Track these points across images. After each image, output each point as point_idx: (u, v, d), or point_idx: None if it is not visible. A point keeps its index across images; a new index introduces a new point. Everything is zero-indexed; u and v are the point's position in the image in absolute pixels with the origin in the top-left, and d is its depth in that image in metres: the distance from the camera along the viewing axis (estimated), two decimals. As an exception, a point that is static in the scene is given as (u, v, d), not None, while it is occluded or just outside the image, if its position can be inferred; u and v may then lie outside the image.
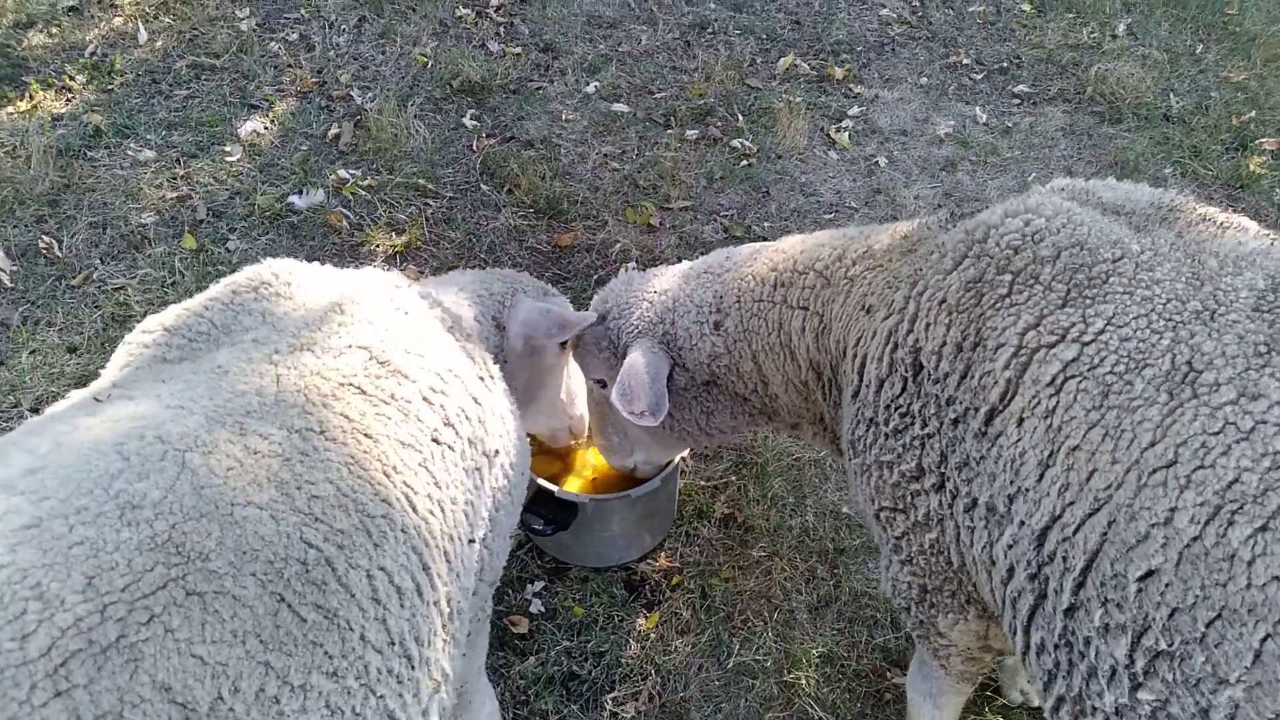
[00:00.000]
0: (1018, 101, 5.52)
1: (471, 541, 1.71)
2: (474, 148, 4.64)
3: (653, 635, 2.87)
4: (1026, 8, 6.27)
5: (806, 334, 2.15)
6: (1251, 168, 4.85)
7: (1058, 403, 1.56)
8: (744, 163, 4.78)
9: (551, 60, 5.36)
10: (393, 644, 1.44)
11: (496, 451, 1.84)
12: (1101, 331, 1.56)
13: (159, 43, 5.16)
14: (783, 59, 5.55)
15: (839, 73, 5.49)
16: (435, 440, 1.65)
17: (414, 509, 1.54)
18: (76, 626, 1.11)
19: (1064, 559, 1.51)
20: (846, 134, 5.07)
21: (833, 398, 2.21)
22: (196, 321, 1.70)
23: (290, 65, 5.09)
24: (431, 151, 4.59)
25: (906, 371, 1.81)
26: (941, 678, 2.14)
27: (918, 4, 6.24)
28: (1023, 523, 1.58)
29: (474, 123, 4.82)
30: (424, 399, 1.67)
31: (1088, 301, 1.60)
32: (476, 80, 5.02)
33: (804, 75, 5.49)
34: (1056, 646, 1.54)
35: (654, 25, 5.71)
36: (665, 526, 3.10)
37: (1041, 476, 1.56)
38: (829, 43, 5.77)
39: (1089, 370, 1.54)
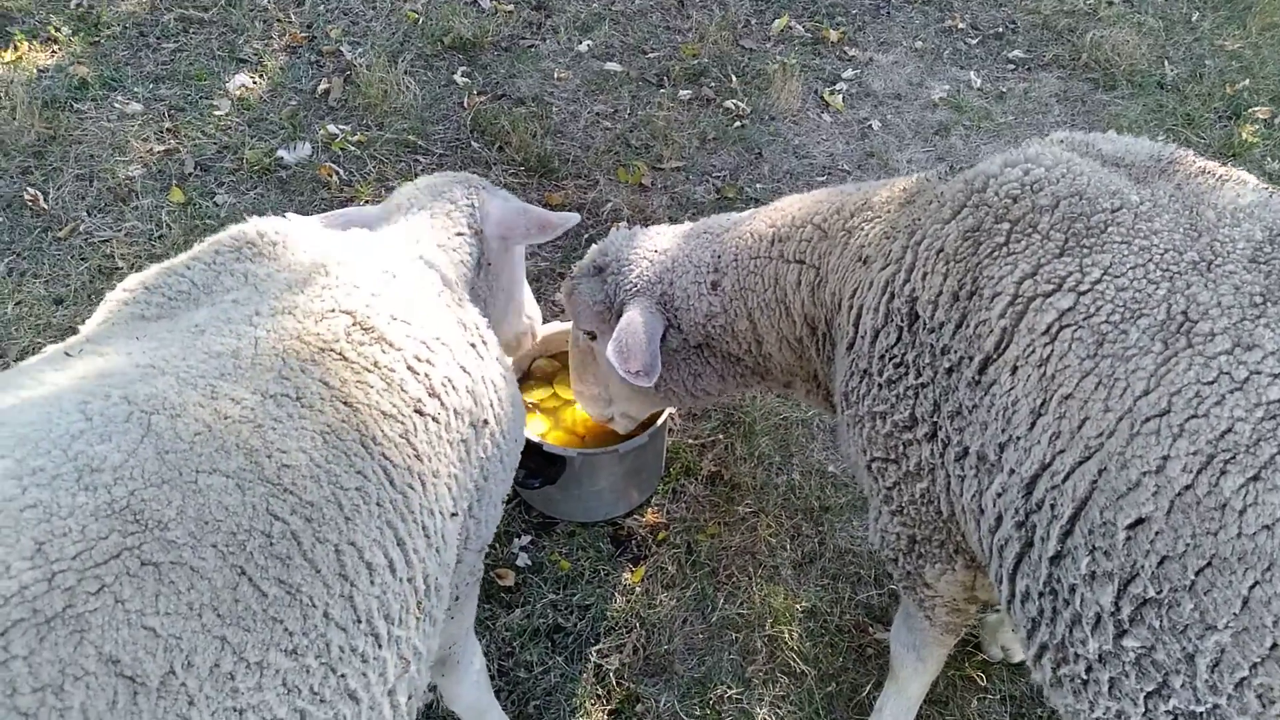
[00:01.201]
0: (1012, 67, 5.49)
1: (454, 515, 1.67)
2: (465, 105, 4.60)
3: (638, 589, 2.90)
4: (1023, -27, 6.21)
5: (802, 288, 2.15)
6: (1244, 136, 4.85)
7: (1052, 351, 1.56)
8: (737, 124, 4.75)
9: (544, 18, 5.30)
10: (359, 621, 1.39)
11: (486, 421, 1.80)
12: (1098, 281, 1.56)
13: (145, -6, 5.08)
14: (777, 20, 5.50)
15: (834, 35, 5.44)
16: (419, 411, 1.60)
17: (391, 482, 1.49)
18: (21, 595, 1.06)
19: (1052, 507, 1.53)
20: (840, 97, 5.04)
21: (826, 353, 2.21)
22: (177, 280, 1.64)
23: (279, 19, 5.02)
24: (422, 108, 4.55)
25: (902, 321, 1.81)
26: (926, 629, 2.17)
27: (915, -33, 6.17)
28: (1012, 471, 1.60)
29: (465, 80, 4.77)
30: (409, 368, 1.62)
31: (1085, 251, 1.61)
32: (468, 37, 4.97)
33: (798, 37, 5.44)
34: (1041, 594, 1.56)
35: (649, -17, 5.64)
36: (653, 483, 3.12)
37: (1033, 425, 1.57)
38: (824, 4, 5.71)
39: (1084, 319, 1.55)
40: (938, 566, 1.96)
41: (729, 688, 2.68)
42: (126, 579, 1.14)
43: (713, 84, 4.99)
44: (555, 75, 4.89)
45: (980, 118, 5.01)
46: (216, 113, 4.40)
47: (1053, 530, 1.53)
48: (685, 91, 4.90)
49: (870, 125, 4.90)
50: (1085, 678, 1.50)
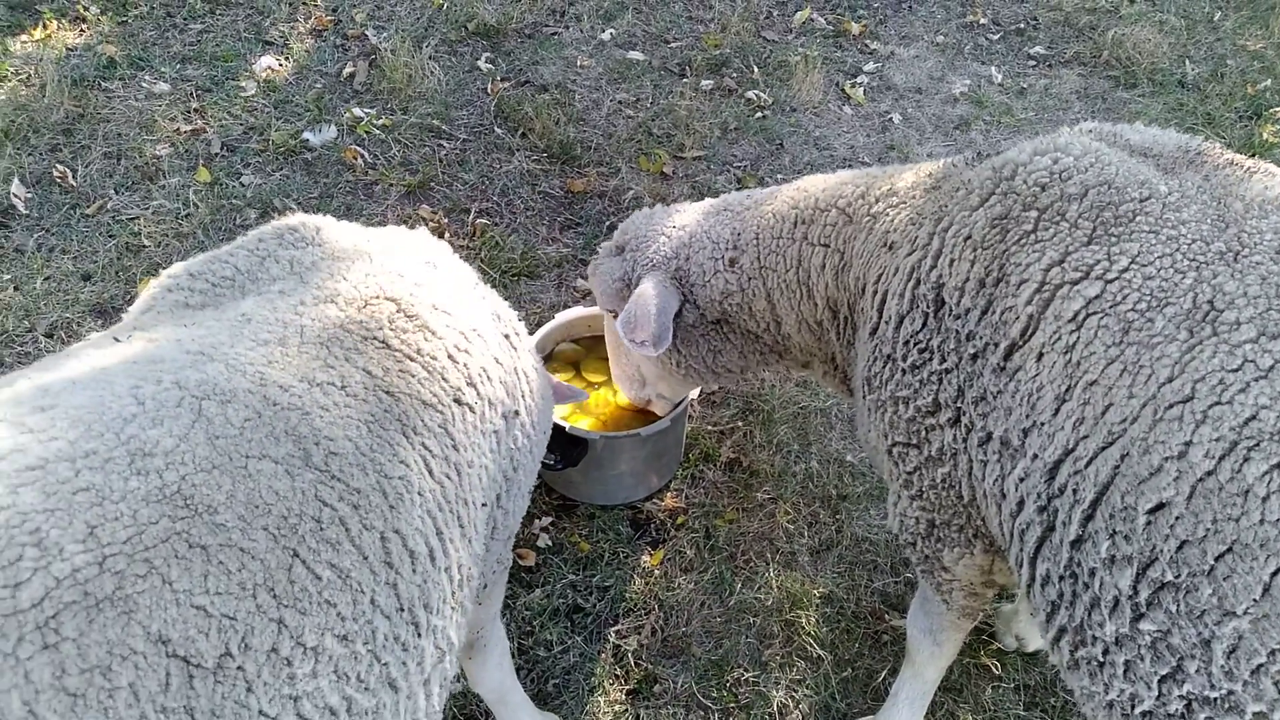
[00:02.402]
0: (1033, 63, 5.49)
1: (484, 505, 1.68)
2: (488, 91, 4.62)
3: (657, 572, 2.94)
4: (1046, -31, 6.20)
5: (826, 271, 2.18)
6: (1265, 136, 4.84)
7: (1078, 338, 1.59)
8: (758, 115, 4.77)
9: (567, 5, 5.31)
10: (402, 610, 1.39)
11: (517, 413, 1.81)
12: (1125, 269, 1.58)
13: (172, -25, 5.11)
14: (799, 12, 5.50)
15: (855, 28, 5.45)
16: (458, 401, 1.61)
17: (430, 472, 1.50)
18: (73, 578, 1.05)
19: (1074, 492, 1.55)
20: (861, 89, 5.05)
21: (846, 337, 2.24)
22: (221, 267, 1.65)
23: (305, 2, 5.05)
24: (446, 93, 4.57)
25: (928, 307, 1.83)
26: (943, 614, 2.20)
27: (937, -39, 6.17)
28: (1035, 456, 1.62)
29: (489, 66, 4.79)
30: (449, 357, 1.63)
31: (1113, 239, 1.63)
32: (491, 23, 4.99)
33: (820, 29, 5.45)
34: (1061, 578, 1.59)
35: (671, -26, 5.65)
36: (672, 468, 3.15)
37: (1057, 411, 1.59)
38: (847, -3, 5.72)
39: (1111, 307, 1.57)
40: (956, 550, 1.99)
41: (746, 670, 2.72)
42: (174, 561, 1.14)
43: (734, 74, 5.00)
44: (578, 63, 4.91)
45: (1001, 113, 5.02)
46: (243, 94, 4.43)
47: (1074, 515, 1.55)
48: (707, 81, 4.91)
49: (891, 118, 4.91)
50: (1101, 660, 1.53)
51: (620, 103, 4.72)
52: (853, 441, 3.33)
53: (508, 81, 4.73)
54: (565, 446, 2.77)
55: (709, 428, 3.34)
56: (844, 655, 2.76)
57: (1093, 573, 1.53)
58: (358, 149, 4.19)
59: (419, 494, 1.47)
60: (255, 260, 1.66)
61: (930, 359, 1.82)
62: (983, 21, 5.68)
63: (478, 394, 1.67)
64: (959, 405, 1.79)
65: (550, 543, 2.98)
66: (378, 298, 1.60)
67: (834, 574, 2.96)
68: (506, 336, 1.87)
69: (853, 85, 5.07)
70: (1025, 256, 1.70)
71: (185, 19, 4.85)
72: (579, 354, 3.17)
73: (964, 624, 2.23)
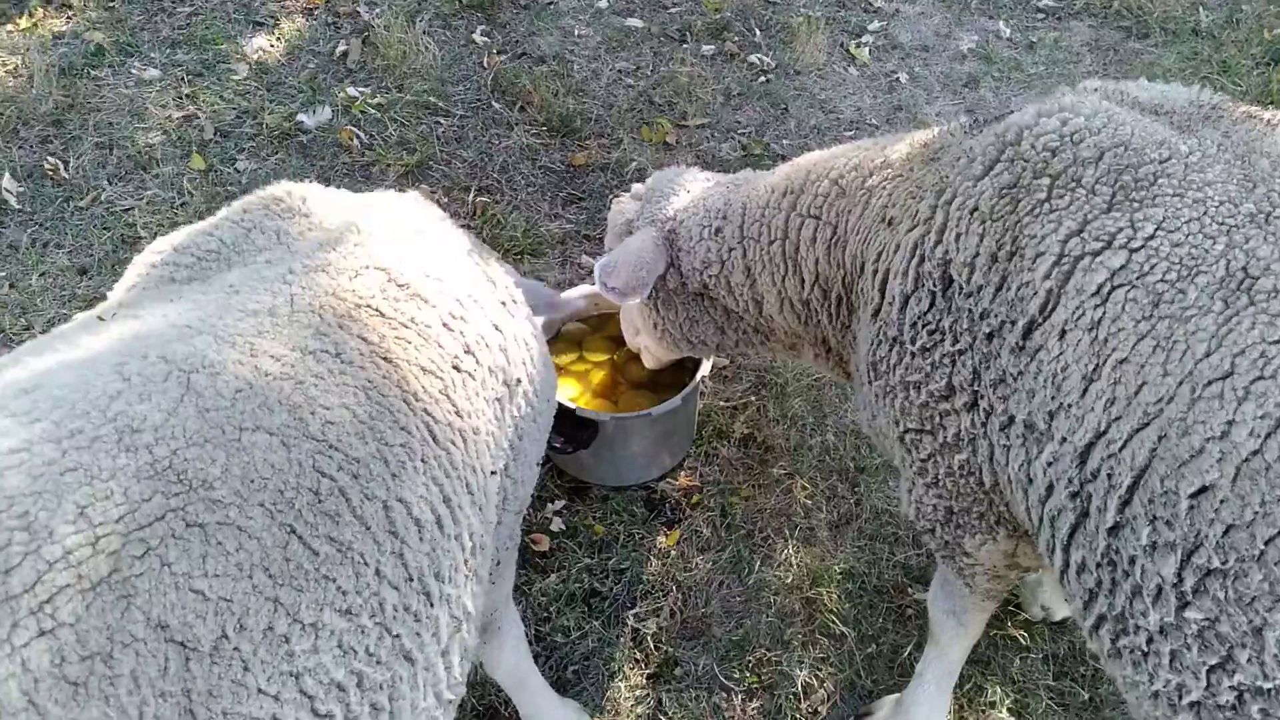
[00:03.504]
0: (1042, 16, 5.34)
1: (493, 473, 1.66)
2: (485, 64, 4.52)
3: (673, 553, 2.88)
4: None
5: (817, 245, 2.09)
6: (1284, 83, 4.71)
7: (1104, 313, 1.50)
8: (762, 79, 4.65)
9: (562, -26, 5.18)
10: (410, 580, 1.37)
11: (519, 380, 1.79)
12: (1151, 237, 1.49)
13: (158, -42, 5.00)
14: (801, -28, 5.36)
15: (859, -14, 5.31)
16: (456, 368, 1.58)
17: (434, 439, 1.48)
18: (65, 560, 1.03)
19: (1109, 476, 1.48)
20: (867, 50, 4.92)
21: (840, 319, 2.15)
22: (206, 240, 1.62)
23: (293, -20, 4.94)
24: (441, 69, 4.47)
25: (935, 286, 1.75)
26: (966, 596, 2.13)
27: (940, -86, 6.00)
28: (1064, 439, 1.54)
29: (484, 39, 4.69)
30: (444, 325, 1.60)
31: (1135, 205, 1.53)
32: (486, -6, 4.87)
33: (823, -11, 5.31)
34: (1099, 565, 1.52)
35: (667, -63, 5.51)
36: (685, 446, 3.09)
37: (1085, 391, 1.51)
38: (848, -45, 5.57)
39: (1138, 278, 1.48)
40: (978, 537, 1.92)
41: (768, 650, 2.67)
42: (172, 541, 1.12)
43: (736, 39, 4.88)
44: (576, 32, 4.79)
45: (1010, 68, 4.89)
46: (234, 77, 4.34)
47: (1110, 500, 1.47)
48: (708, 47, 4.80)
49: (898, 78, 4.78)
50: (1145, 650, 1.46)
51: (620, 72, 4.61)
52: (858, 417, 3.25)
53: (504, 54, 4.62)
54: (575, 429, 2.71)
55: (721, 404, 3.27)
56: (868, 631, 2.71)
57: (1133, 560, 1.45)
58: (353, 129, 4.10)
59: (422, 461, 1.44)
60: (240, 232, 1.61)
61: (941, 341, 1.74)
62: (989, -25, 5.52)
63: (476, 361, 1.64)
64: (975, 388, 1.71)
65: (564, 526, 2.93)
66: (368, 267, 1.56)
67: (854, 548, 2.90)
68: (503, 303, 1.82)
69: (857, 45, 4.94)
70: (1040, 227, 1.60)
71: (173, 2, 4.75)
72: (585, 332, 3.10)
73: (988, 605, 2.16)
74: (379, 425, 1.39)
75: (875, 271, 1.91)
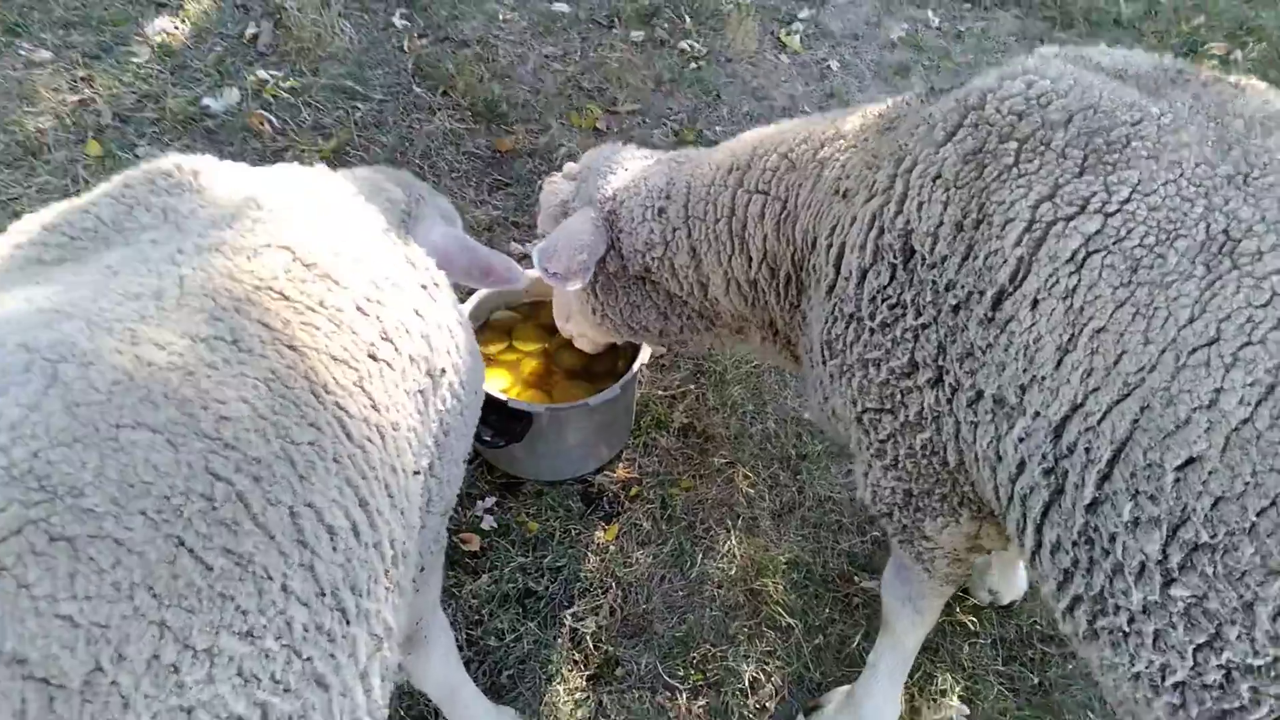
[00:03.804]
0: (969, 6, 5.38)
1: (416, 473, 1.50)
2: (405, 48, 4.33)
3: (612, 548, 2.75)
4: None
5: (766, 221, 1.99)
6: (1203, 70, 4.80)
7: (1079, 281, 1.42)
8: (693, 65, 4.56)
9: (485, -42, 5.02)
10: (323, 595, 1.21)
11: (443, 370, 1.63)
12: (1127, 200, 1.42)
13: (51, -65, 4.69)
14: (729, -40, 5.29)
15: (787, -25, 5.27)
16: (372, 356, 1.42)
17: (348, 435, 1.31)
18: None
19: (1086, 450, 1.39)
20: (797, 37, 4.87)
21: (789, 299, 2.06)
22: (81, 218, 1.41)
23: (200, -39, 4.68)
24: (359, 52, 4.27)
25: (895, 258, 1.66)
26: (923, 581, 2.04)
27: (866, -95, 6.01)
28: (1037, 414, 1.46)
29: (404, 22, 4.50)
30: (358, 309, 1.43)
31: (1109, 168, 1.46)
32: (405, -23, 4.68)
33: (751, -24, 5.25)
34: (1075, 544, 1.43)
35: (593, -77, 5.40)
36: (623, 437, 2.96)
37: (1060, 363, 1.43)
38: (776, -56, 5.53)
39: (1115, 243, 1.41)
40: (940, 520, 1.83)
41: (712, 646, 2.55)
42: (32, 559, 0.93)
43: (665, 25, 4.78)
44: (500, 17, 4.63)
45: (940, 57, 4.89)
46: (135, 60, 4.07)
47: (1088, 476, 1.39)
48: (637, 33, 4.69)
49: (829, 65, 4.74)
50: (1126, 630, 1.38)
51: (547, 57, 4.47)
52: (806, 401, 3.17)
53: (425, 38, 4.44)
54: (508, 422, 2.56)
55: (659, 393, 3.15)
56: (814, 622, 2.61)
57: (1113, 538, 1.37)
58: (264, 114, 3.88)
59: (335, 460, 1.27)
60: (122, 209, 1.41)
61: (903, 315, 1.65)
62: (915, -35, 5.53)
63: (395, 349, 1.47)
64: (940, 363, 1.62)
65: (495, 524, 2.77)
66: (269, 245, 1.38)
67: (798, 537, 2.81)
68: (424, 287, 1.66)
69: (788, 33, 4.89)
70: (1009, 193, 1.52)
71: (67, -19, 4.45)
72: (514, 320, 2.95)
73: (946, 590, 2.08)
74: (283, 421, 1.22)
75: (829, 246, 1.82)
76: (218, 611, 1.07)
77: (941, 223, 1.60)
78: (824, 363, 1.87)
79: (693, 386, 3.17)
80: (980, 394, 1.57)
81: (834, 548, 2.79)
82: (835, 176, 1.85)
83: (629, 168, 2.31)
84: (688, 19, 4.81)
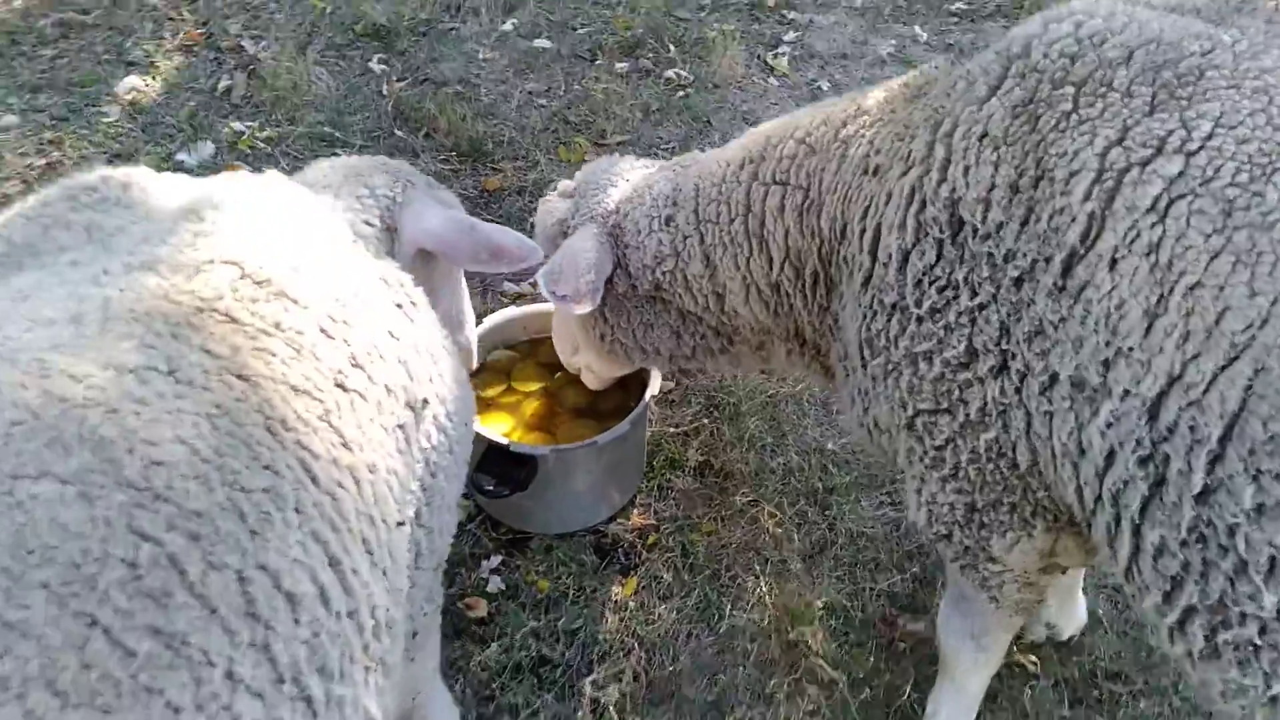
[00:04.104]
0: (955, 19, 5.27)
1: (400, 524, 1.30)
2: (384, 92, 4.20)
3: (631, 604, 2.53)
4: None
5: (786, 214, 1.82)
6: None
7: (1164, 232, 1.24)
8: (680, 93, 4.42)
9: (462, 1, 4.92)
10: (281, 681, 1.01)
11: (425, 401, 1.43)
12: (1209, 136, 1.25)
13: (16, 2, 4.59)
14: (710, -12, 5.21)
15: (770, 0, 5.18)
16: (341, 386, 1.23)
17: (314, 480, 1.12)
18: None
19: (1191, 430, 1.20)
20: (785, 60, 4.75)
21: (817, 299, 1.88)
22: None
23: (172, 17, 4.58)
24: (337, 99, 4.14)
25: (941, 232, 1.49)
26: (988, 613, 1.82)
27: (844, -72, 5.96)
28: (1126, 393, 1.27)
29: (382, 67, 4.38)
30: (322, 330, 1.25)
31: (1183, 103, 1.29)
32: (382, 23, 4.58)
33: (733, 4, 5.16)
34: (1184, 544, 1.23)
35: (570, -38, 5.32)
36: (635, 480, 2.75)
37: (1149, 329, 1.24)
38: (756, -29, 5.46)
39: (1202, 185, 1.23)
40: (1009, 535, 1.62)
41: (749, 708, 2.32)
42: None
43: (650, 55, 4.66)
44: (480, 56, 4.51)
45: (934, 70, 4.77)
46: (105, 119, 3.93)
47: (1195, 460, 1.19)
48: (622, 64, 4.56)
49: (819, 86, 4.61)
50: (1258, 643, 1.17)
51: (531, 93, 4.34)
52: (830, 427, 2.97)
53: (404, 81, 4.31)
54: (511, 468, 2.35)
55: (671, 430, 2.94)
56: (859, 674, 2.38)
57: (1233, 530, 1.17)
58: (241, 165, 3.72)
59: (297, 511, 1.07)
60: (36, 230, 1.23)
61: (955, 297, 1.47)
62: (898, -16, 5.45)
63: (368, 377, 1.28)
64: (1004, 347, 1.43)
65: (503, 586, 2.55)
66: (212, 261, 1.19)
67: (833, 579, 2.59)
68: (400, 306, 1.46)
69: (775, 56, 4.77)
70: (1070, 143, 1.35)
71: (34, 45, 4.33)
72: (513, 360, 2.76)
73: (1014, 622, 1.86)
74: (231, 464, 1.02)
75: (862, 231, 1.64)
76: (142, 710, 0.86)
77: (994, 186, 1.43)
78: (864, 366, 1.68)
79: (706, 421, 2.96)
80: (1055, 377, 1.38)
81: (873, 588, 2.57)
82: (863, 154, 1.69)
83: (629, 179, 2.16)
84: (672, 48, 4.69)
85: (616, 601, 2.53)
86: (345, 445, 1.18)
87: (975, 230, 1.45)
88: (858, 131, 1.73)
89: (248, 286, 1.19)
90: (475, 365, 2.43)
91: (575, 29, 4.82)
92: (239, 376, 1.09)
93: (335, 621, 1.08)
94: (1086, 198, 1.33)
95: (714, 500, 2.77)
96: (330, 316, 1.26)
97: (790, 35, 4.95)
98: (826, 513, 2.74)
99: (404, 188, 1.91)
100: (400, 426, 1.34)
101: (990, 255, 1.43)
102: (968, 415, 1.52)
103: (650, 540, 2.67)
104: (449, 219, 1.89)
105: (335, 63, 4.38)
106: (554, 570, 2.59)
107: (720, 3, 5.14)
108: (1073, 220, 1.34)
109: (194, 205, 1.30)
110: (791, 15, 5.11)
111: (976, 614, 1.87)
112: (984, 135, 1.45)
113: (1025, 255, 1.39)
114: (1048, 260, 1.36)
